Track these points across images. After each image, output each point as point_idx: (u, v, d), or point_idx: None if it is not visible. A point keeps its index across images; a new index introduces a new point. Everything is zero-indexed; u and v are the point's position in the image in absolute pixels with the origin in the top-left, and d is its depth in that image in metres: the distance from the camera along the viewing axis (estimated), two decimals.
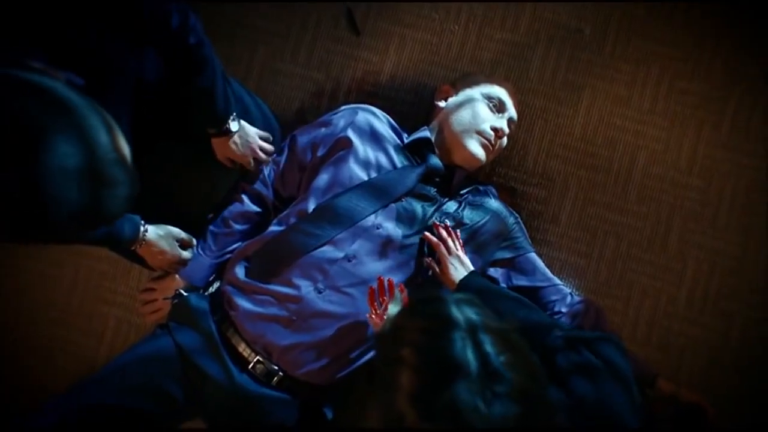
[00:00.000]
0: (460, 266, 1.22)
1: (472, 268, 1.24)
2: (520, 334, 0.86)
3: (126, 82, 1.04)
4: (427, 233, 1.26)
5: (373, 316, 1.17)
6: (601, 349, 0.98)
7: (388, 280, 1.18)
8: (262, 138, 1.35)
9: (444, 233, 1.25)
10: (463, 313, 0.83)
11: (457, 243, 1.26)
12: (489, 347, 0.79)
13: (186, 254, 1.33)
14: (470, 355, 0.78)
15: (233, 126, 1.26)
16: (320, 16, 1.52)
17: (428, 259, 1.26)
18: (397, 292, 1.18)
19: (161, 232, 1.28)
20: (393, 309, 0.99)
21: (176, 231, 1.31)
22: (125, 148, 0.80)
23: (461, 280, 1.20)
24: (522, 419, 0.77)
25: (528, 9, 1.51)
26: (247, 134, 1.30)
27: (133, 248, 1.26)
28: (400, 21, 1.52)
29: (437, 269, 1.24)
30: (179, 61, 1.12)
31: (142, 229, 1.25)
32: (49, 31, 0.90)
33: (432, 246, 1.25)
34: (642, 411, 0.98)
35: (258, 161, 1.35)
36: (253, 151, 1.32)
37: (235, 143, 1.29)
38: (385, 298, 1.17)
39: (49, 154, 0.71)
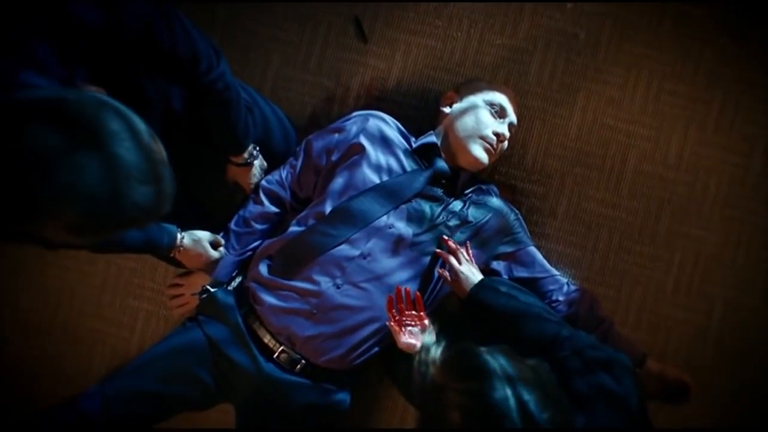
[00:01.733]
0: (470, 275, 1.33)
1: (481, 276, 1.34)
2: (550, 378, 0.94)
3: (155, 109, 1.13)
4: (438, 250, 1.36)
5: (392, 323, 1.29)
6: (618, 375, 1.06)
7: (406, 290, 1.29)
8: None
9: (453, 245, 1.35)
10: (504, 373, 0.90)
11: (466, 254, 1.36)
12: (533, 407, 0.87)
13: (217, 254, 1.44)
14: (516, 417, 0.86)
15: (256, 162, 1.42)
16: (330, 26, 1.60)
17: (440, 269, 1.36)
18: (426, 318, 1.29)
19: (195, 238, 1.39)
20: (427, 339, 1.09)
21: (207, 234, 1.42)
22: (163, 149, 0.88)
23: (471, 290, 1.31)
24: None
25: (526, 15, 1.60)
26: (257, 170, 1.46)
27: (171, 255, 1.37)
28: (405, 28, 1.60)
29: (449, 279, 1.34)
30: (204, 100, 1.22)
31: (179, 237, 1.36)
32: (91, 60, 0.98)
33: (443, 259, 1.35)
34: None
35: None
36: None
37: (252, 174, 1.45)
38: (402, 305, 1.29)
39: (111, 150, 0.77)
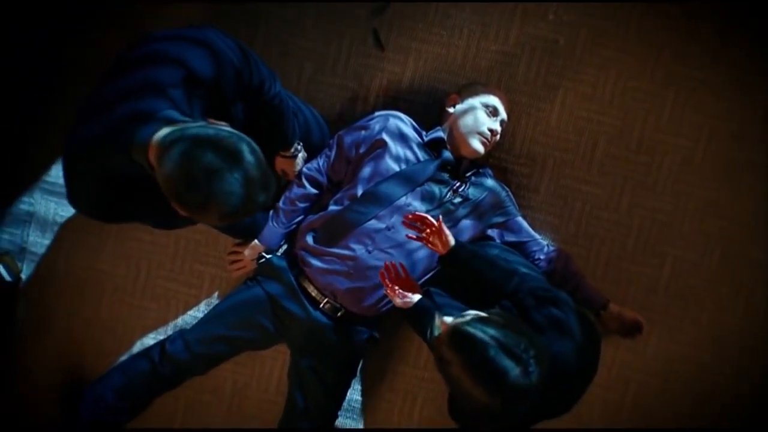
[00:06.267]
0: (451, 238, 1.62)
1: (453, 241, 1.60)
2: (512, 318, 1.32)
3: (234, 121, 1.49)
4: (437, 225, 1.61)
5: (388, 290, 1.62)
6: (563, 308, 1.43)
7: (392, 264, 1.63)
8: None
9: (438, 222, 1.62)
10: (485, 333, 1.23)
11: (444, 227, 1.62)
12: (512, 345, 1.22)
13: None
14: (507, 357, 1.21)
15: (300, 155, 1.76)
16: (352, 37, 1.93)
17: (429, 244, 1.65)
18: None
19: None
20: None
21: None
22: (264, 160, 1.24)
23: (453, 246, 1.60)
24: (543, 373, 1.24)
25: (516, 25, 1.93)
26: (299, 160, 1.80)
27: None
28: (415, 38, 1.93)
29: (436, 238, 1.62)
30: (264, 110, 1.57)
31: None
32: (204, 98, 1.35)
33: (438, 229, 1.61)
34: (590, 350, 1.43)
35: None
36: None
37: (296, 163, 1.78)
38: (393, 276, 1.63)
39: (245, 166, 1.14)
